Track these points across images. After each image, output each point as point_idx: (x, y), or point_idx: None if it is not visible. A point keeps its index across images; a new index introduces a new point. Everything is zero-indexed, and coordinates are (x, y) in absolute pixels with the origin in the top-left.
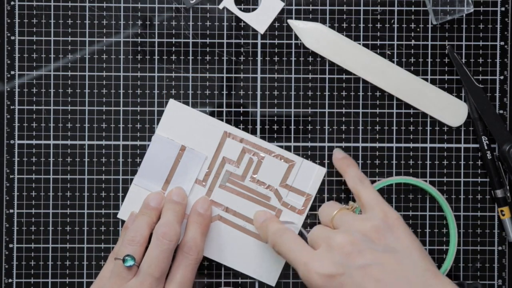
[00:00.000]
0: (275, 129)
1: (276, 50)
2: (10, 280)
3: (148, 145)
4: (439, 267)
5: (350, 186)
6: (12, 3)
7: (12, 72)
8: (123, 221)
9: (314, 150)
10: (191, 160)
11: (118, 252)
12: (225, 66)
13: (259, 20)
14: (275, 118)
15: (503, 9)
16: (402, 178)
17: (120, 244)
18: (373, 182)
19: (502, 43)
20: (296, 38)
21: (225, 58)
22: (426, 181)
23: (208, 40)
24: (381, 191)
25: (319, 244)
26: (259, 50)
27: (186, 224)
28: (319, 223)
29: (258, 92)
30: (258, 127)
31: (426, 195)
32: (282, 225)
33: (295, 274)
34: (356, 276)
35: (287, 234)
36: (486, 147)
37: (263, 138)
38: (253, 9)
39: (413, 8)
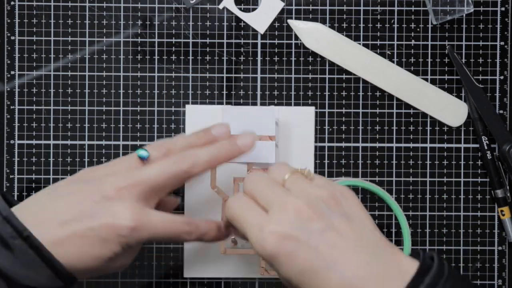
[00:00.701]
0: None
1: (276, 50)
2: None
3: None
4: None
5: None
6: (12, 3)
7: (12, 72)
8: None
9: (314, 150)
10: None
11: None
12: (225, 66)
13: (259, 20)
14: None
15: (503, 9)
16: (347, 181)
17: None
18: (373, 182)
19: (502, 43)
20: (296, 38)
21: (225, 58)
22: (426, 181)
23: (208, 40)
24: None
25: (271, 205)
26: (259, 50)
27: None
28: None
29: (258, 92)
30: None
31: (374, 195)
32: (240, 193)
33: None
34: (312, 240)
35: (242, 198)
36: (486, 147)
37: None
38: (253, 9)
39: (413, 8)
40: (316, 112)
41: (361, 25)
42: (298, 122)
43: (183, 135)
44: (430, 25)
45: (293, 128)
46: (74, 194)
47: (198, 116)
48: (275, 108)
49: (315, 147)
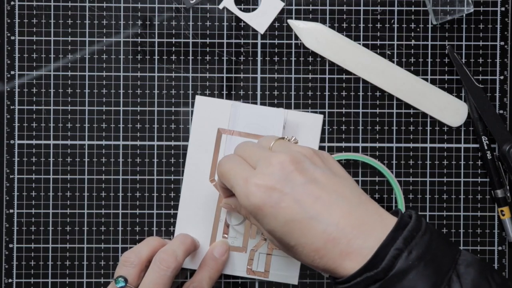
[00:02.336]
0: None
1: (276, 50)
2: (10, 280)
3: (148, 145)
4: None
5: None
6: (12, 3)
7: (12, 72)
8: (123, 222)
9: None
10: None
11: (116, 270)
12: (225, 66)
13: (259, 20)
14: None
15: (503, 9)
16: (341, 155)
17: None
18: (374, 182)
19: (502, 43)
20: (296, 38)
21: (225, 58)
22: (426, 181)
23: (208, 40)
24: None
25: (257, 161)
26: (259, 50)
27: (200, 264)
28: None
29: (258, 92)
30: None
31: (367, 167)
32: (231, 154)
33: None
34: (296, 192)
35: (233, 156)
36: (486, 147)
37: None
38: (253, 9)
39: (413, 8)
40: (316, 112)
41: (361, 25)
42: (305, 128)
43: (141, 246)
44: (430, 25)
45: (300, 133)
46: None
47: (207, 108)
48: (285, 111)
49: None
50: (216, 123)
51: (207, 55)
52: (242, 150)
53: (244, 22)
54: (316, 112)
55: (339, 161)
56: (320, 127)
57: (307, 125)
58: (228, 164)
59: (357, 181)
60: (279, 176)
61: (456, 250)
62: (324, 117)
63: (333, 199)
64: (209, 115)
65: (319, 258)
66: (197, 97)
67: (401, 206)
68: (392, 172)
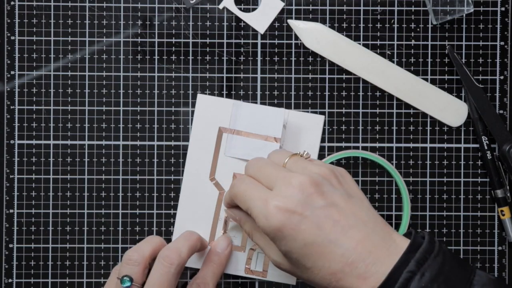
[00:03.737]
0: None
1: (276, 50)
2: (10, 280)
3: (148, 145)
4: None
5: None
6: (12, 3)
7: (12, 72)
8: (123, 222)
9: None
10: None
11: (119, 270)
12: (225, 66)
13: (259, 20)
14: None
15: (503, 9)
16: (349, 152)
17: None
18: (374, 182)
19: (502, 43)
20: (296, 38)
21: (225, 58)
22: (426, 181)
23: (208, 40)
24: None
25: (274, 182)
26: (259, 50)
27: (203, 261)
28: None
29: (258, 92)
30: None
31: (375, 167)
32: (243, 174)
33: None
34: (315, 215)
35: (247, 178)
36: (486, 147)
37: None
38: (253, 9)
39: (413, 8)
40: (316, 112)
41: (361, 25)
42: (306, 128)
43: (144, 244)
44: (430, 25)
45: (300, 134)
46: None
47: (208, 107)
48: (285, 111)
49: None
50: (217, 121)
51: (207, 55)
52: (255, 169)
53: (244, 22)
54: (316, 112)
55: (341, 160)
56: (321, 128)
57: (309, 125)
58: (242, 185)
59: (358, 180)
60: (299, 198)
61: (471, 270)
62: (324, 117)
63: (351, 223)
64: (210, 113)
65: (335, 281)
66: (199, 96)
67: (407, 202)
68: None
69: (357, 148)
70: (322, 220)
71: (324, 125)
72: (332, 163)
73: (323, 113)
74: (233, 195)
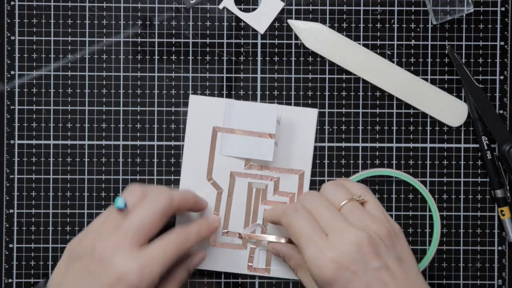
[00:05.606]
0: None
1: (276, 50)
2: (10, 280)
3: (148, 145)
4: (418, 262)
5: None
6: (12, 3)
7: (12, 72)
8: None
9: (314, 150)
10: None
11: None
12: (225, 66)
13: (259, 20)
14: None
15: (503, 9)
16: (383, 171)
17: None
18: (373, 182)
19: (502, 43)
20: (296, 38)
21: (225, 58)
22: (426, 181)
23: (208, 40)
24: (364, 183)
25: (331, 230)
26: (259, 50)
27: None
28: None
29: (258, 92)
30: None
31: (409, 187)
32: (300, 204)
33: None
34: (367, 276)
35: (304, 212)
36: (486, 147)
37: None
38: (253, 9)
39: (413, 8)
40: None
41: (361, 25)
42: (300, 122)
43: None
44: (430, 25)
45: (295, 128)
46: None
47: (202, 107)
48: (279, 106)
49: (315, 147)
50: (211, 121)
51: (207, 55)
52: (313, 207)
53: (244, 22)
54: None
55: (372, 178)
56: (315, 122)
57: (303, 120)
58: (300, 220)
59: (385, 198)
60: (354, 256)
61: None
62: (324, 117)
63: (400, 286)
64: (204, 113)
65: None
66: (191, 96)
67: (437, 222)
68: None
69: (357, 147)
70: (372, 282)
71: (324, 125)
72: (364, 181)
73: (323, 113)
74: (286, 224)
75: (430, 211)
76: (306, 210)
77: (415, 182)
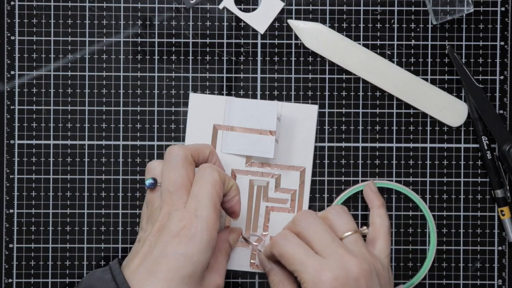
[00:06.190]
0: None
1: (276, 50)
2: (10, 280)
3: (148, 145)
4: (419, 267)
5: (371, 214)
6: (12, 3)
7: (12, 72)
8: (123, 222)
9: (314, 150)
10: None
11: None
12: (225, 66)
13: (259, 20)
14: None
15: (503, 9)
16: (377, 182)
17: None
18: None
19: (502, 43)
20: (296, 38)
21: (225, 58)
22: (426, 181)
23: (208, 40)
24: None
25: (330, 255)
26: (259, 50)
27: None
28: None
29: (258, 92)
30: None
31: (401, 195)
32: (287, 231)
33: None
34: None
35: (294, 238)
36: (486, 147)
37: None
38: (253, 9)
39: (413, 8)
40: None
41: (361, 25)
42: (301, 119)
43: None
44: (430, 25)
45: (295, 125)
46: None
47: (202, 105)
48: (279, 103)
49: (315, 147)
50: (212, 119)
51: (207, 55)
52: (309, 230)
53: (244, 22)
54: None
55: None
56: (315, 118)
57: (303, 116)
58: (290, 247)
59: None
60: (351, 284)
61: None
62: (324, 117)
63: None
64: (204, 112)
65: None
66: (191, 95)
67: (433, 238)
68: (392, 172)
69: (357, 147)
70: None
71: (324, 125)
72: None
73: (323, 113)
74: (278, 254)
75: (424, 219)
76: (294, 236)
77: (410, 192)
